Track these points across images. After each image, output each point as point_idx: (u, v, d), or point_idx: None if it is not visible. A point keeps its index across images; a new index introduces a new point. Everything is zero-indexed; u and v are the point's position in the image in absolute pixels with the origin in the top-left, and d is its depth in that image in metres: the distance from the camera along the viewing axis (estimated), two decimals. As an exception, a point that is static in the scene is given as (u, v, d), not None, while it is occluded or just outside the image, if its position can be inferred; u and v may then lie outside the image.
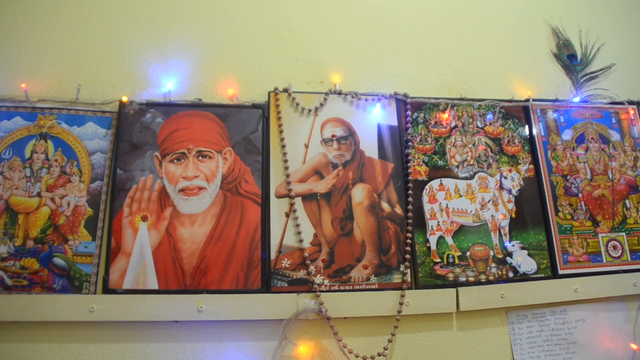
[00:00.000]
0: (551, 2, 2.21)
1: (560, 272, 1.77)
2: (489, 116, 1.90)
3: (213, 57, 1.84)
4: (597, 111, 2.02)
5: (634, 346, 1.79)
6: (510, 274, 1.74)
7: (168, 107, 1.71)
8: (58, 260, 1.54)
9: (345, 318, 1.61)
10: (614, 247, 1.86)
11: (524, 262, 1.76)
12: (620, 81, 2.14)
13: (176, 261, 1.57)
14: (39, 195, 1.59)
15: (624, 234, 1.88)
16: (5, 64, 1.74)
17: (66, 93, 1.72)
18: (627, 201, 1.93)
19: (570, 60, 2.12)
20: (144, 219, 1.60)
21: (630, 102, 2.07)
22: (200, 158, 1.67)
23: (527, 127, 1.93)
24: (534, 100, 1.96)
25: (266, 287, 1.59)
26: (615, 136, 2.01)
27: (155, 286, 1.54)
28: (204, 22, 1.87)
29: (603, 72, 2.13)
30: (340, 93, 1.81)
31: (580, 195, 1.89)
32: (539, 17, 2.17)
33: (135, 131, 1.67)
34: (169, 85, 1.76)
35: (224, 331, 1.58)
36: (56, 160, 1.63)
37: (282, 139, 1.71)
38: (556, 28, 2.15)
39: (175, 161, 1.66)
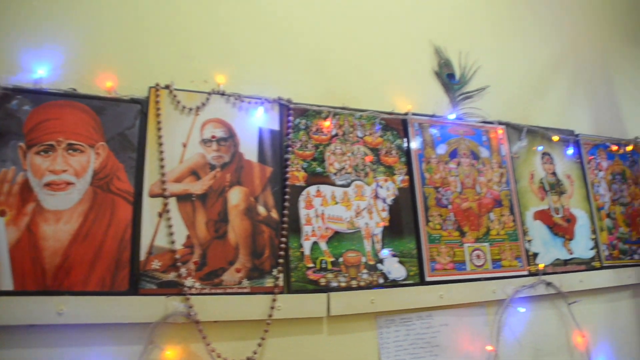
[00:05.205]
0: (436, 23, 2.34)
1: (428, 279, 1.87)
2: (377, 127, 1.97)
3: (92, 46, 1.72)
4: (470, 129, 2.16)
5: (489, 348, 1.93)
6: (381, 280, 1.81)
7: (38, 95, 1.59)
8: None
9: (215, 322, 1.58)
10: (478, 257, 1.99)
11: (394, 269, 1.84)
12: (492, 102, 2.30)
13: (36, 260, 1.47)
14: None
15: (487, 244, 2.02)
16: None
17: None
18: (491, 214, 2.07)
19: (449, 79, 2.24)
20: (2, 213, 1.49)
21: (500, 123, 2.24)
22: (70, 151, 1.58)
23: (405, 139, 2.01)
24: (413, 114, 2.05)
25: (134, 289, 1.53)
26: (484, 153, 2.15)
27: (11, 287, 1.43)
28: (84, 8, 1.75)
29: (478, 92, 2.28)
30: (223, 94, 1.78)
31: (450, 206, 2.00)
32: (424, 36, 2.28)
33: (-3, 118, 1.55)
34: (40, 71, 1.63)
35: (87, 335, 1.49)
36: None
37: (159, 137, 1.66)
38: (439, 48, 2.27)
39: (42, 153, 1.55)
